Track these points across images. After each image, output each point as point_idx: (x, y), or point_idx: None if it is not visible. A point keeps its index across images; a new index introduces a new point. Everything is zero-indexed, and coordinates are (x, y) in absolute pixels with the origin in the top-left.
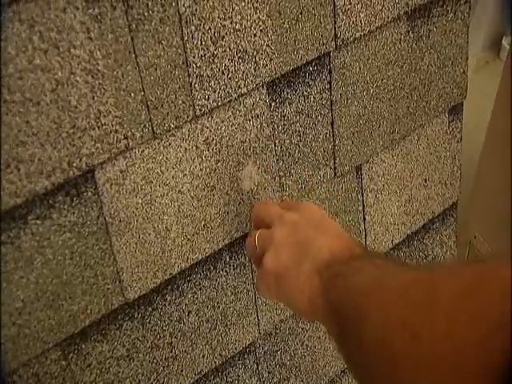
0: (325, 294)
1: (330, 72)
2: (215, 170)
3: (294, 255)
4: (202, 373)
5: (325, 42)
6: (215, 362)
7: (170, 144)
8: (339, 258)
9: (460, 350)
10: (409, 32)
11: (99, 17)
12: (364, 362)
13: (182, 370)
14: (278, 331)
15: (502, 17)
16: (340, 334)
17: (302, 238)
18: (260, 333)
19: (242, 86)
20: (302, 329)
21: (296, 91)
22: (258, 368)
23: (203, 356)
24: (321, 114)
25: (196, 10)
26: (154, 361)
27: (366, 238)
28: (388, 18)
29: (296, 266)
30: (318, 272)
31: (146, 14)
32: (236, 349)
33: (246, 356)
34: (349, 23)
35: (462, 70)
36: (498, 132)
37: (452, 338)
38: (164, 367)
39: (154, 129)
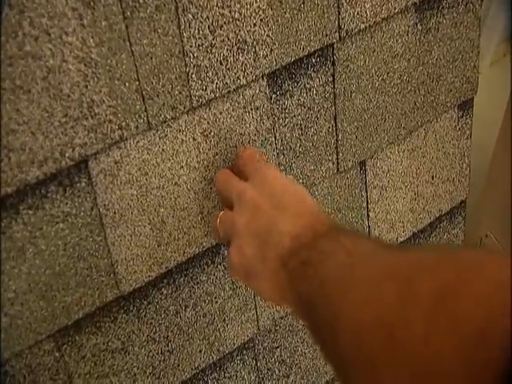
0: (293, 285)
1: (333, 64)
2: (213, 162)
3: (256, 248)
4: (200, 368)
5: (328, 33)
6: (213, 358)
7: (166, 135)
8: (303, 242)
9: (440, 356)
10: (417, 24)
11: (92, 3)
12: (340, 360)
13: (178, 365)
14: (277, 328)
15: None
16: (313, 327)
17: (263, 225)
18: (259, 329)
19: (241, 77)
20: (303, 325)
21: (297, 83)
22: (256, 364)
23: (200, 351)
24: (323, 107)
25: None
26: (150, 354)
27: (369, 235)
28: (395, 8)
29: (260, 261)
30: (282, 262)
31: (140, 0)
32: (234, 344)
33: (244, 352)
34: (353, 14)
35: (472, 65)
36: None
37: (430, 342)
38: (160, 361)
39: (150, 119)
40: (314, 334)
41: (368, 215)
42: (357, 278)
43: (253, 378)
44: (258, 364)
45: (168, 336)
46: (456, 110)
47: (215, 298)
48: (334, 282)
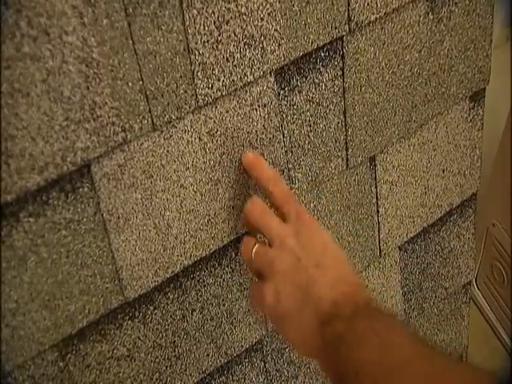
0: (327, 355)
1: (342, 58)
2: (219, 162)
3: (294, 300)
4: (207, 372)
5: (337, 25)
6: (220, 361)
7: (171, 136)
8: (341, 311)
9: None
10: (428, 13)
11: (93, 0)
12: None
13: (185, 370)
14: None
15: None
16: None
17: (303, 280)
18: (268, 330)
19: (248, 73)
20: None
21: (306, 78)
22: (265, 366)
23: (208, 355)
24: (332, 102)
25: None
26: (157, 360)
27: (379, 231)
28: None
29: (297, 313)
30: (320, 325)
31: None
32: (242, 347)
33: (252, 354)
34: (363, 5)
35: (485, 54)
36: None
37: None
38: (167, 367)
39: (154, 120)
40: None
41: (378, 211)
42: (389, 374)
43: (261, 379)
44: (267, 366)
45: (175, 341)
46: (467, 101)
47: (223, 300)
48: (367, 371)
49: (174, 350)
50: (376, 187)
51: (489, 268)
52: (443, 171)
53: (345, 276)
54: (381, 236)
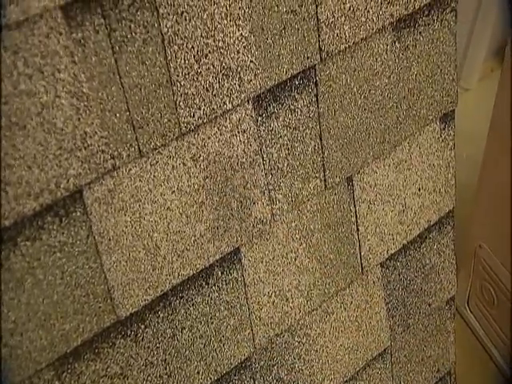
0: None
1: (316, 85)
2: (203, 186)
3: None
4: None
5: (309, 55)
6: (210, 378)
7: (156, 162)
8: None
9: None
10: (395, 42)
11: (82, 41)
12: None
13: None
14: (273, 345)
15: (504, 23)
16: None
17: None
18: (255, 347)
19: (227, 102)
20: (299, 342)
21: (282, 105)
22: (254, 383)
23: (198, 372)
24: (308, 126)
25: (178, 29)
26: (149, 378)
27: (360, 249)
28: (373, 29)
29: None
30: None
31: (128, 35)
32: (231, 364)
33: (241, 371)
34: (333, 36)
35: (451, 78)
36: (498, 140)
37: None
38: None
39: (141, 148)
40: None
41: (358, 229)
42: None
43: None
44: (256, 383)
45: (166, 359)
46: (438, 123)
47: (211, 318)
48: None
49: (166, 368)
50: (355, 206)
51: (479, 289)
52: (419, 189)
53: None
54: (362, 253)
